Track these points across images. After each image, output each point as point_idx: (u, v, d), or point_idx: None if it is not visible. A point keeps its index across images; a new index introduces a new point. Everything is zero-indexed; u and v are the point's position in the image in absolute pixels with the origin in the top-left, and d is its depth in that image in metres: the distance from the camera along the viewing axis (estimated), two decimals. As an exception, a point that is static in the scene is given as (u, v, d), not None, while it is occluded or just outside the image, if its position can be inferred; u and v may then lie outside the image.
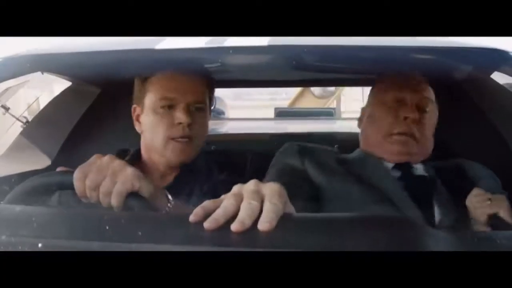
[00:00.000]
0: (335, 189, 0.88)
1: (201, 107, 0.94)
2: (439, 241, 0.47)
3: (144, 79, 0.92)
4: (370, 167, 0.93)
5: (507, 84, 1.08)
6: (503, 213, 0.76)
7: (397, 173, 0.92)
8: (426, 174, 0.93)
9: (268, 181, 0.88)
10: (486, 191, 0.82)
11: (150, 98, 0.91)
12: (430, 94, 0.97)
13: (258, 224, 0.46)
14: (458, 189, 0.87)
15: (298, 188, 0.85)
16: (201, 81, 0.95)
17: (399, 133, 0.92)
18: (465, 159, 1.01)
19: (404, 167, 0.93)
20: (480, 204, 0.78)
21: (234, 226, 0.45)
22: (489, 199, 0.78)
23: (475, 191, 0.81)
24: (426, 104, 0.95)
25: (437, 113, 1.00)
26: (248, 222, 0.46)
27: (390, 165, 0.94)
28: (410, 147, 0.92)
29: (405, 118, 0.91)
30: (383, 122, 0.94)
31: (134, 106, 0.95)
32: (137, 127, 0.95)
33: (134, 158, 0.96)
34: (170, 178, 0.94)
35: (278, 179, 0.87)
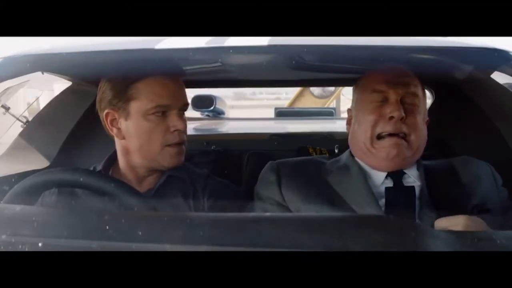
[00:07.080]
0: (311, 209, 0.85)
1: (186, 110, 0.95)
2: (439, 241, 0.47)
3: (124, 85, 0.89)
4: (355, 177, 0.88)
5: (507, 84, 1.08)
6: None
7: (387, 184, 0.86)
8: (416, 185, 0.86)
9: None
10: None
11: (138, 105, 0.88)
12: (415, 87, 0.89)
13: None
14: (449, 200, 0.83)
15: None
16: (182, 83, 0.94)
17: (387, 135, 0.86)
18: (464, 157, 0.97)
19: (395, 177, 0.87)
20: None
21: None
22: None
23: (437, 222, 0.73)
24: (411, 99, 0.88)
25: (426, 107, 0.94)
26: None
27: (381, 174, 0.88)
28: (401, 150, 0.86)
29: (390, 118, 0.85)
30: (368, 125, 0.88)
31: (107, 111, 0.91)
32: (111, 132, 0.93)
33: (109, 163, 0.96)
34: (149, 181, 0.94)
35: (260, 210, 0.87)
